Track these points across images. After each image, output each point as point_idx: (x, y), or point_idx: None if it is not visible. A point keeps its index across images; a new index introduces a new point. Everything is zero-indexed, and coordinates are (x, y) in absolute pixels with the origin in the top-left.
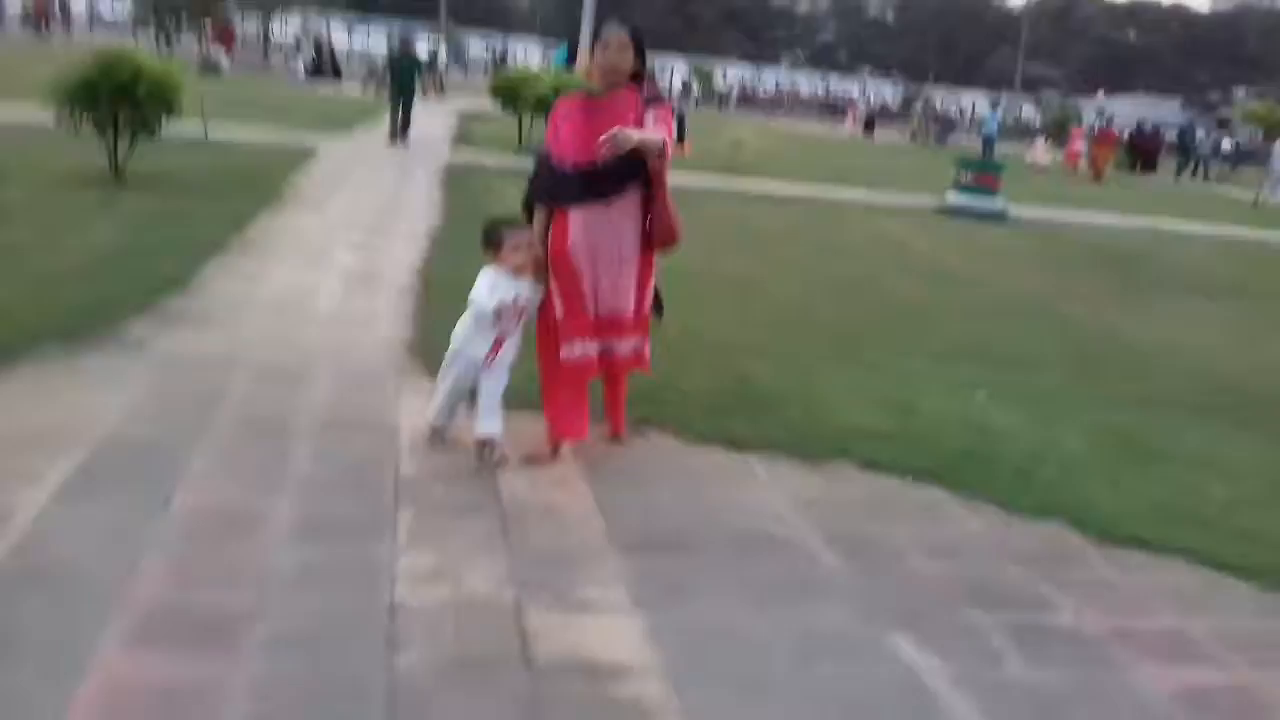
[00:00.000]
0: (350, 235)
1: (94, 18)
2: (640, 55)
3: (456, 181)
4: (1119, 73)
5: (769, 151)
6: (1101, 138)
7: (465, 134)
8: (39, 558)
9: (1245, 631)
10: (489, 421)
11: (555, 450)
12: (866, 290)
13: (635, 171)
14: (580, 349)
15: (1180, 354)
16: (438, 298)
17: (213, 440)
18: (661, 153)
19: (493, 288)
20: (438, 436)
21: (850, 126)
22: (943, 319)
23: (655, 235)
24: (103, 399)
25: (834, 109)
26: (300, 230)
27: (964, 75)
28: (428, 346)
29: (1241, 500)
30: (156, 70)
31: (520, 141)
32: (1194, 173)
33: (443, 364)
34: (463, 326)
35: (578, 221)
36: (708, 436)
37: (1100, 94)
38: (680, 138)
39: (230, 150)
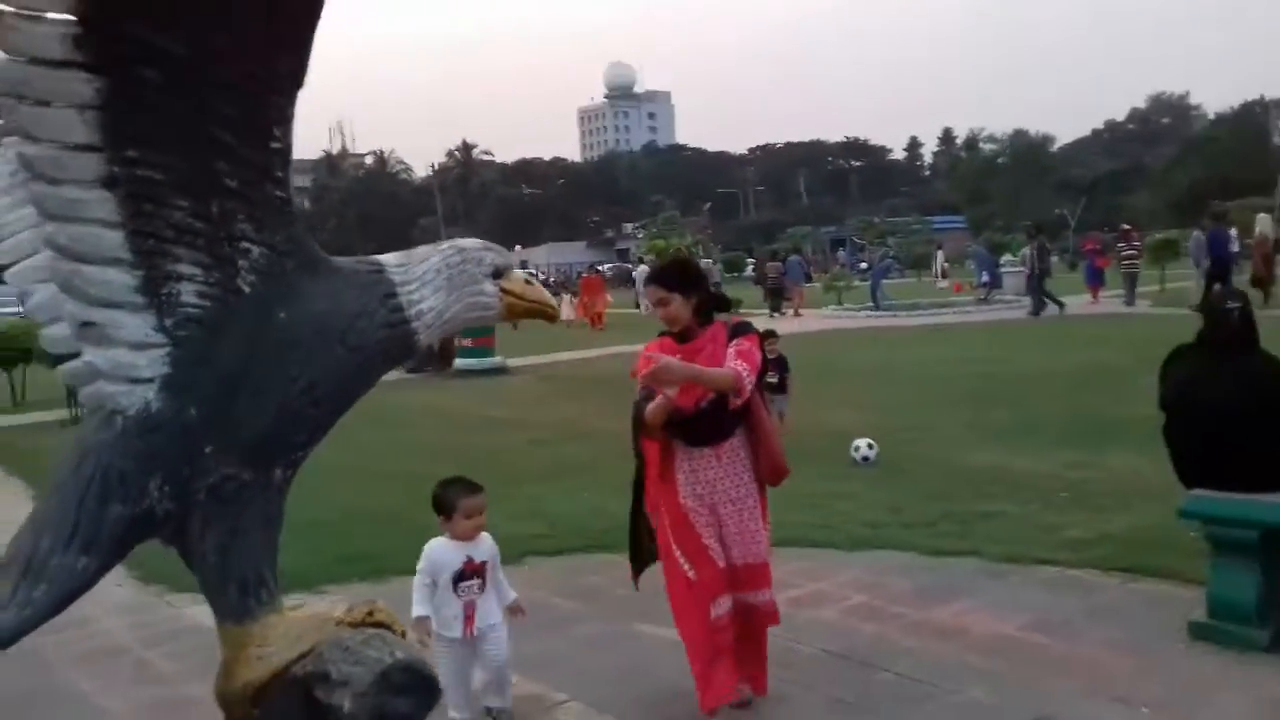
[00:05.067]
0: None
1: None
2: (690, 289)
3: None
4: (525, 226)
5: None
6: (586, 285)
7: None
8: None
9: (860, 579)
10: (495, 696)
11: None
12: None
13: (735, 412)
14: (725, 604)
15: None
16: None
17: None
18: (736, 389)
19: (428, 558)
20: None
21: None
22: (517, 458)
23: (763, 470)
24: None
25: None
26: None
27: (390, 248)
28: None
29: (856, 510)
30: None
31: None
32: None
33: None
34: (420, 606)
35: (686, 473)
36: None
37: (518, 248)
38: None
39: None
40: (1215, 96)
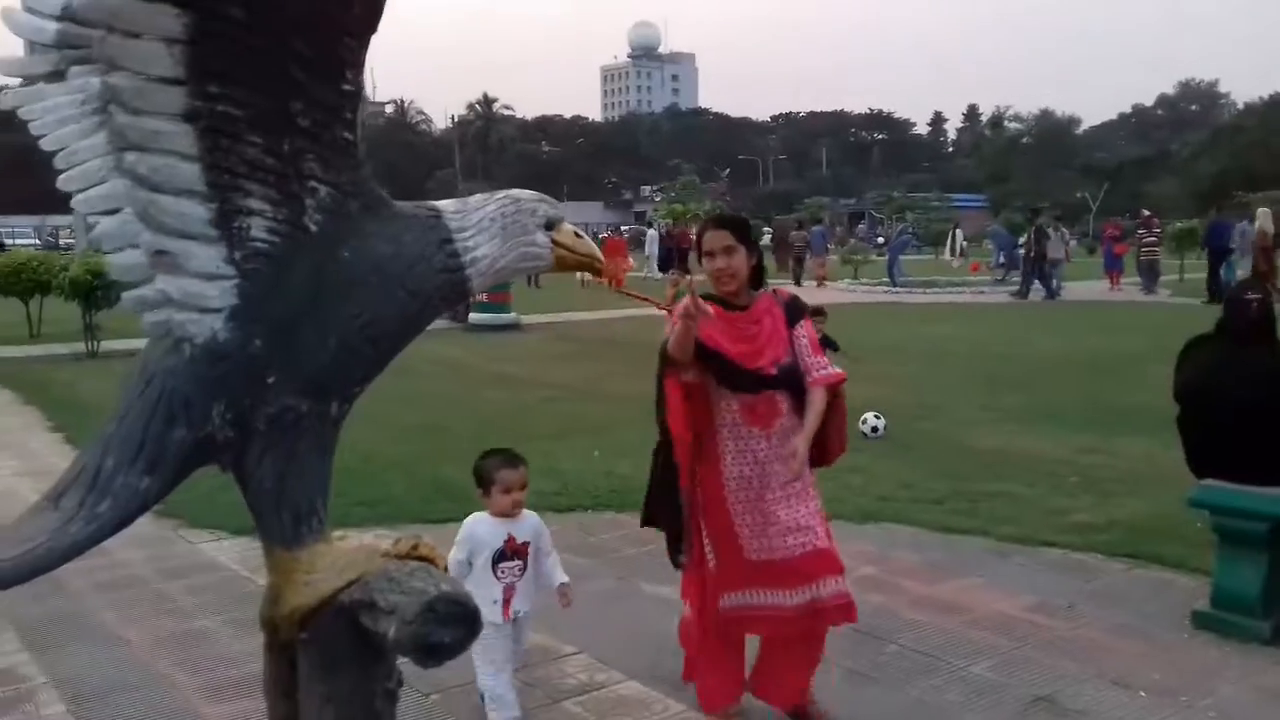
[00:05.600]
0: None
1: None
2: (752, 245)
3: None
4: (543, 184)
5: None
6: (610, 246)
7: None
8: None
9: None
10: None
11: None
12: (463, 407)
13: (801, 384)
14: (740, 599)
15: None
16: None
17: None
18: (836, 390)
19: (468, 534)
20: None
21: None
22: (530, 415)
23: (832, 446)
24: None
25: None
26: None
27: (406, 200)
28: None
29: (866, 484)
30: None
31: None
32: None
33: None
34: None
35: (733, 452)
36: None
37: None
38: None
39: None
40: (1246, 86)
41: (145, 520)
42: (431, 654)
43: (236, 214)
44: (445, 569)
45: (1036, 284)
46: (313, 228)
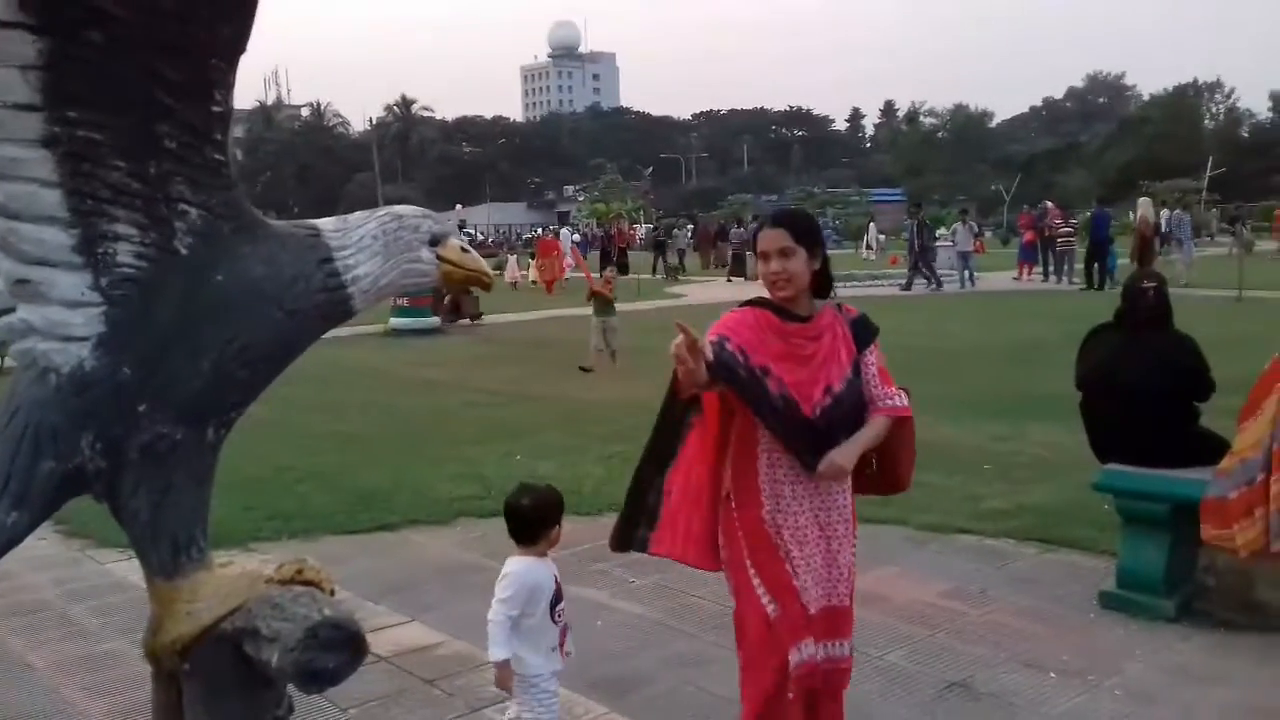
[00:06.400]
0: None
1: None
2: (816, 247)
3: None
4: (465, 185)
5: None
6: (543, 247)
7: None
8: None
9: None
10: None
11: None
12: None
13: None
14: (809, 651)
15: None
16: None
17: None
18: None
19: (523, 583)
20: None
21: None
22: (453, 420)
23: (903, 473)
24: None
25: None
26: None
27: (325, 204)
28: None
29: None
30: None
31: None
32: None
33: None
34: (505, 647)
35: (768, 482)
36: None
37: (458, 207)
38: None
39: None
40: (1151, 78)
41: (51, 541)
42: (315, 680)
43: (101, 239)
44: (331, 592)
45: (953, 275)
46: (183, 251)
